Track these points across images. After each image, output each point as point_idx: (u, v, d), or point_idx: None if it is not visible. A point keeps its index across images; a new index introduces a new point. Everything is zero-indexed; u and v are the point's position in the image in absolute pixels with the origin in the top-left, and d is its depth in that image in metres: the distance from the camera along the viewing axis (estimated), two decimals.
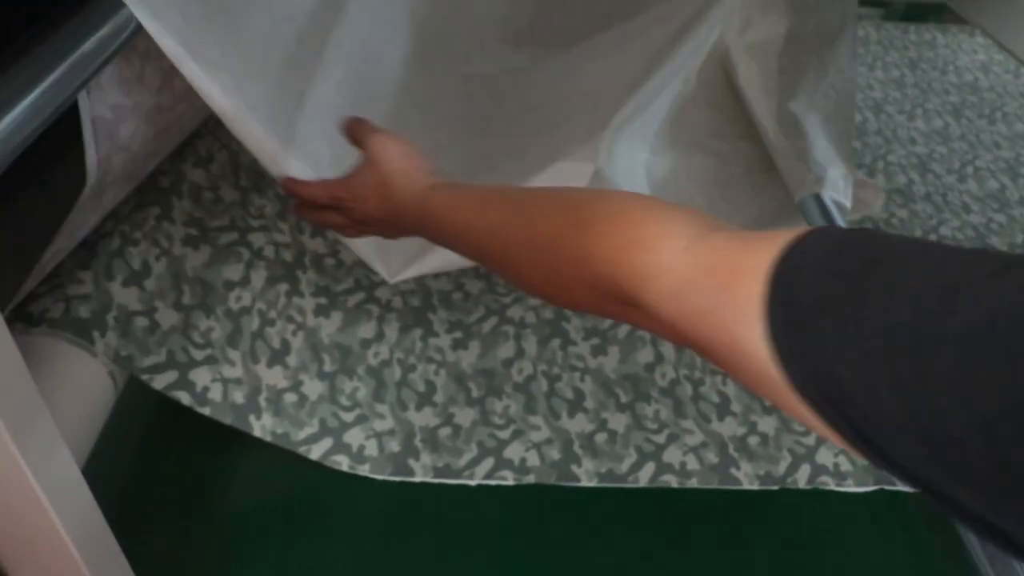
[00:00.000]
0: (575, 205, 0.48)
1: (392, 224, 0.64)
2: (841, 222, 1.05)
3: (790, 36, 1.30)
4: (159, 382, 0.76)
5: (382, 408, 0.88)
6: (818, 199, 1.10)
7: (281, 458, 0.82)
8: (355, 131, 0.68)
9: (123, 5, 0.60)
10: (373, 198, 0.63)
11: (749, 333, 0.34)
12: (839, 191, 1.11)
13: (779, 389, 0.33)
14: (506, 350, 0.97)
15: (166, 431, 0.87)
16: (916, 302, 0.28)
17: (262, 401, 0.82)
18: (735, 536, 0.84)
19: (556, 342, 0.98)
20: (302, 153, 0.75)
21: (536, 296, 0.53)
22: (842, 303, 0.31)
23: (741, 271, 0.35)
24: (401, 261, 0.90)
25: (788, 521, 0.85)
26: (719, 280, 0.37)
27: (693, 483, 0.86)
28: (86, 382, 0.70)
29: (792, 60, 1.27)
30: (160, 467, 0.85)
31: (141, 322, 0.76)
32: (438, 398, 0.90)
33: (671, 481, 0.86)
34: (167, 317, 0.78)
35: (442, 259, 0.90)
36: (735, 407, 0.94)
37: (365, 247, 0.88)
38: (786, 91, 1.23)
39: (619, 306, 0.44)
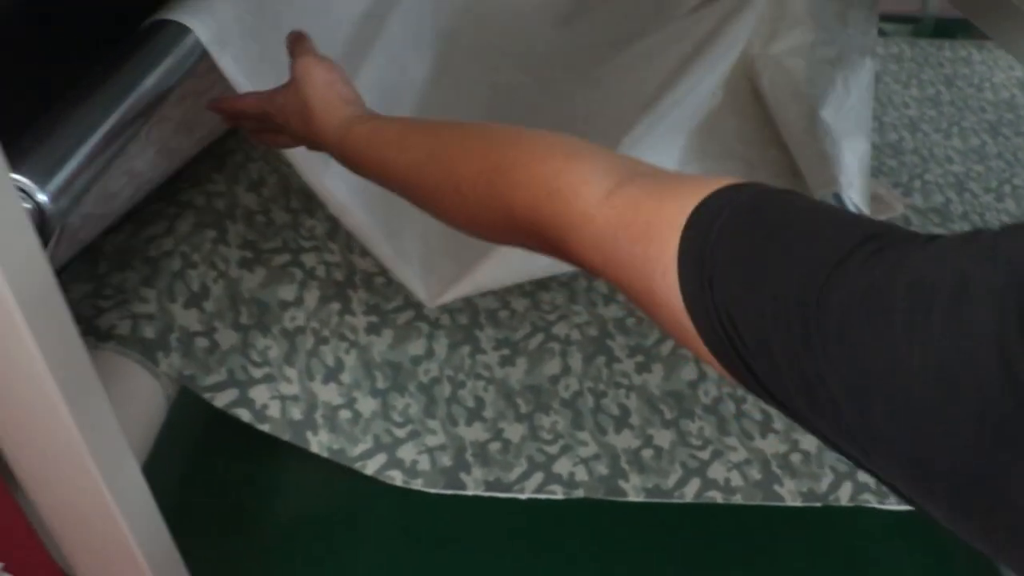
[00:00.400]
0: (496, 148, 0.48)
1: (316, 147, 0.62)
2: None
3: (815, 49, 1.32)
4: (220, 400, 0.78)
5: (433, 424, 0.89)
6: (837, 198, 1.11)
7: (322, 469, 0.83)
8: (292, 47, 0.65)
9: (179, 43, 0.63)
10: (294, 119, 0.61)
11: (662, 284, 0.36)
12: (856, 191, 1.13)
13: (690, 336, 0.35)
14: (552, 367, 0.98)
15: (211, 441, 0.90)
16: (808, 274, 0.31)
17: (319, 418, 0.83)
18: (763, 553, 0.84)
19: (601, 359, 0.99)
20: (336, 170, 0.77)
21: (462, 232, 0.52)
22: (747, 264, 0.33)
23: (655, 225, 0.37)
24: (441, 286, 0.93)
25: (816, 538, 0.86)
26: (634, 233, 0.38)
27: (737, 499, 0.87)
28: (144, 394, 0.72)
29: (820, 73, 1.29)
30: (205, 477, 0.87)
31: (202, 342, 0.78)
32: (487, 414, 0.92)
33: (716, 497, 0.87)
34: (226, 337, 0.80)
35: (478, 282, 0.93)
36: (777, 425, 0.94)
37: (406, 271, 0.90)
38: (817, 99, 1.25)
39: (545, 247, 0.45)
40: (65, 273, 0.75)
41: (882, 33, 1.81)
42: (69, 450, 0.47)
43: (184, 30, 0.64)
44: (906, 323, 0.27)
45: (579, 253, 0.42)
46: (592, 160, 0.43)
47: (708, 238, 0.34)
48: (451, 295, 0.93)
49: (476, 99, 1.16)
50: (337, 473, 0.84)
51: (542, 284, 1.07)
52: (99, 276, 0.76)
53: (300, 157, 0.75)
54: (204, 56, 0.65)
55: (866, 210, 1.13)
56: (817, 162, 1.17)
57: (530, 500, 0.85)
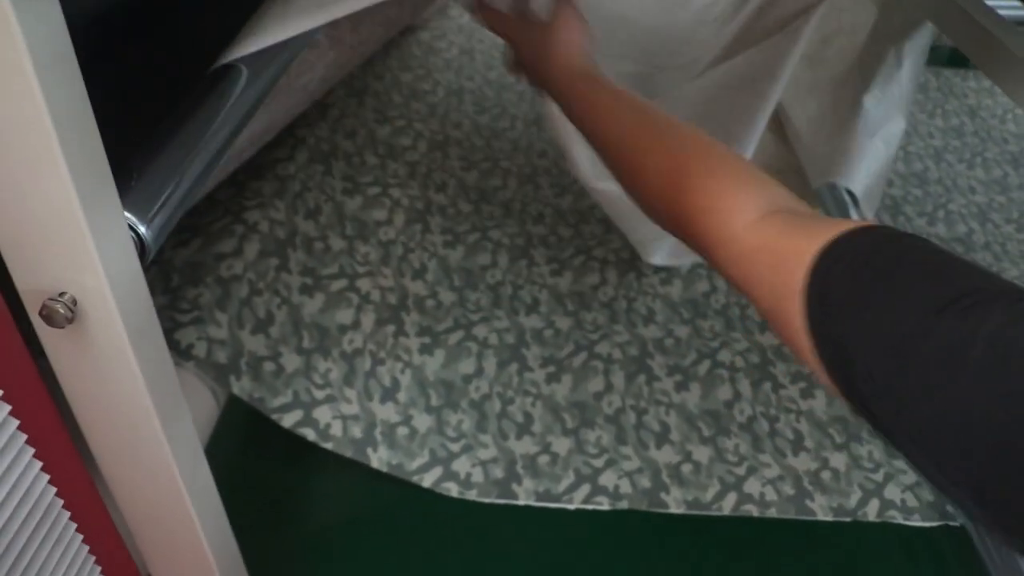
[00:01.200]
0: (681, 152, 0.55)
1: (538, 81, 0.73)
2: (854, 214, 1.11)
3: (876, 26, 1.33)
4: (287, 420, 0.83)
5: (485, 438, 0.93)
6: (832, 188, 1.14)
7: (356, 475, 0.88)
8: None
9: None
10: (532, 51, 0.72)
11: (789, 306, 0.42)
12: (855, 185, 1.16)
13: (805, 351, 0.41)
14: (596, 384, 1.02)
15: (252, 447, 0.93)
16: (918, 312, 0.36)
17: (378, 435, 0.88)
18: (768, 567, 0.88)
19: (642, 378, 1.03)
20: None
21: (639, 204, 0.60)
22: (865, 299, 0.38)
23: (790, 256, 0.43)
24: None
25: (822, 553, 0.89)
26: (771, 260, 0.44)
27: (772, 513, 0.90)
28: (201, 403, 0.77)
29: (872, 53, 1.30)
30: (245, 481, 0.90)
31: (269, 366, 0.83)
32: (536, 428, 0.96)
33: (752, 510, 0.91)
34: (291, 361, 0.86)
35: None
36: (808, 443, 0.98)
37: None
38: (863, 82, 1.28)
39: (695, 248, 0.52)
40: None
41: None
42: (157, 458, 0.52)
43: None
44: (981, 372, 0.32)
45: (722, 266, 0.49)
46: (748, 187, 0.50)
47: (830, 275, 0.40)
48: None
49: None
50: (369, 479, 0.88)
51: (584, 304, 1.12)
52: (173, 289, 0.81)
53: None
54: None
55: (865, 203, 1.16)
56: (823, 148, 1.20)
57: (577, 509, 0.90)
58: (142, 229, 0.52)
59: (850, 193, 1.17)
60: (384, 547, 0.85)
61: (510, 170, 1.31)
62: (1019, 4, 1.10)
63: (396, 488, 0.88)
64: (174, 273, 0.82)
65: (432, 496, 0.88)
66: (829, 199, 1.18)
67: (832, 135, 1.25)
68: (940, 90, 1.80)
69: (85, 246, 0.42)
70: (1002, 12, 1.25)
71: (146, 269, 0.50)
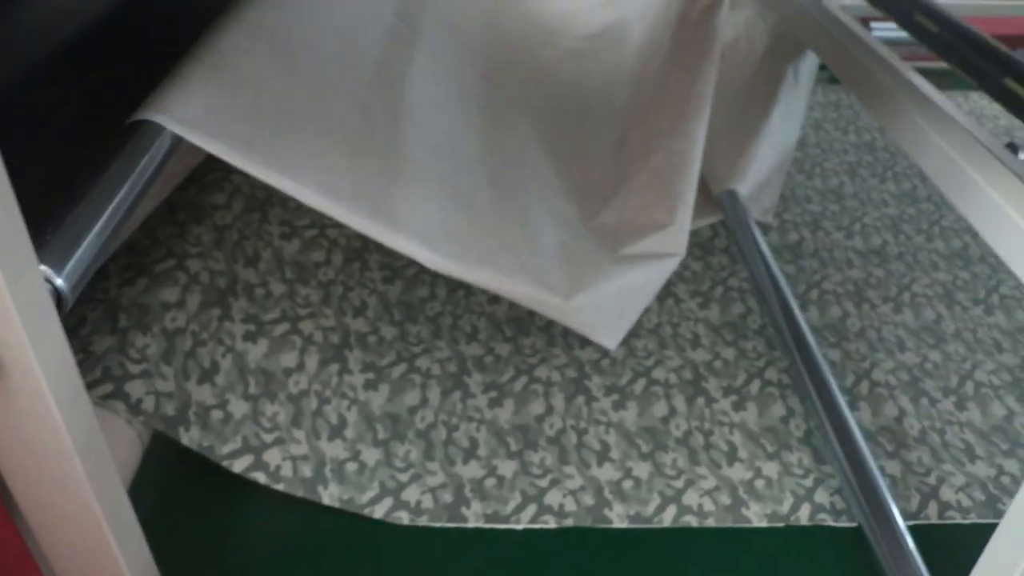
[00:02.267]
0: None
1: None
2: (752, 222, 1.18)
3: (770, 48, 1.43)
4: (237, 466, 0.86)
5: (433, 466, 0.97)
6: (732, 195, 1.21)
7: (288, 506, 0.91)
8: None
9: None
10: None
11: None
12: (754, 192, 1.23)
13: None
14: (537, 407, 1.06)
15: (184, 482, 0.96)
16: None
17: (328, 472, 0.92)
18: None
19: (581, 399, 1.08)
20: (406, 223, 0.86)
21: None
22: None
23: None
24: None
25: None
26: None
27: (710, 523, 0.95)
28: (124, 441, 0.79)
29: (771, 71, 1.40)
30: (175, 516, 0.93)
31: (217, 415, 0.86)
32: (481, 452, 1.00)
33: (691, 521, 0.95)
34: (238, 407, 0.89)
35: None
36: (742, 454, 1.03)
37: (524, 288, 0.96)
38: (767, 97, 1.37)
39: None
40: (88, 324, 0.84)
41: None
42: (79, 500, 0.56)
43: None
44: None
45: None
46: None
47: None
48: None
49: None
50: (301, 510, 0.91)
51: (522, 330, 1.16)
52: (121, 330, 0.84)
53: (368, 227, 0.84)
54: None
55: (761, 212, 1.23)
56: (728, 152, 1.27)
57: (524, 529, 0.94)
58: (59, 281, 0.55)
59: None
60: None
61: None
62: (895, 26, 1.18)
63: (334, 518, 0.91)
64: (121, 312, 0.85)
65: (369, 522, 0.91)
66: (728, 204, 1.25)
67: (731, 145, 1.31)
68: (852, 107, 1.89)
69: (1, 299, 0.45)
70: (878, 32, 1.33)
71: (65, 317, 0.53)
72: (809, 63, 1.45)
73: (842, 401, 1.02)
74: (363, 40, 1.07)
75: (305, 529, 0.92)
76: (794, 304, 1.17)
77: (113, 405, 0.79)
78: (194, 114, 0.75)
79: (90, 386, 0.79)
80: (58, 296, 0.56)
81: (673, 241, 1.05)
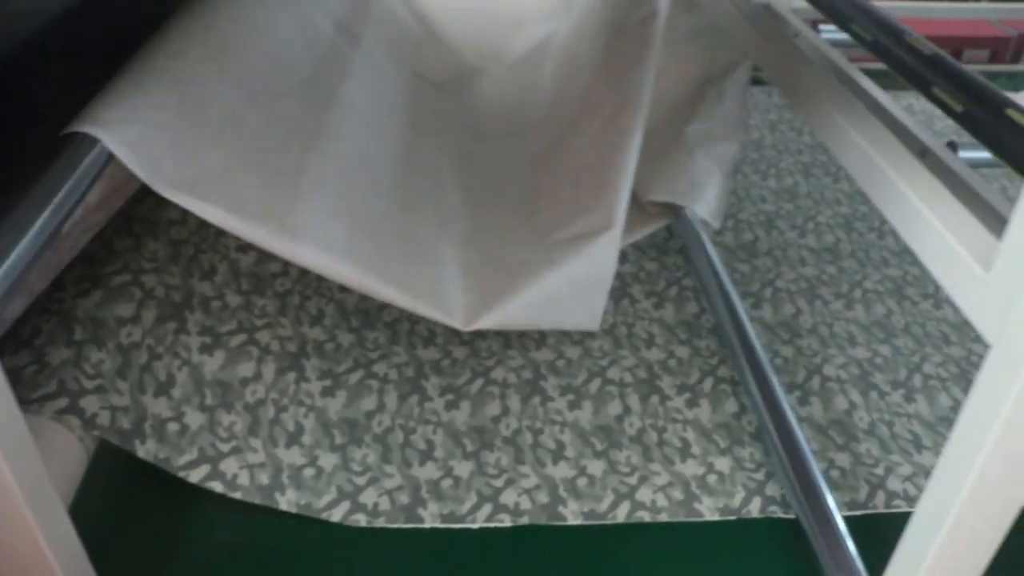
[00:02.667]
0: None
1: None
2: (707, 241, 1.21)
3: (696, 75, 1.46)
4: (194, 476, 0.88)
5: (390, 468, 0.99)
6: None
7: (243, 513, 0.92)
8: None
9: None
10: None
11: None
12: (709, 209, 1.25)
13: None
14: (493, 408, 1.09)
15: (133, 491, 0.96)
16: None
17: (285, 479, 0.93)
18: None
19: (536, 399, 1.11)
20: (312, 238, 0.88)
21: None
22: None
23: None
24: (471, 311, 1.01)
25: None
26: None
27: (663, 517, 0.98)
28: (66, 449, 0.81)
29: (693, 94, 1.43)
30: (123, 524, 0.93)
31: (173, 427, 0.88)
32: (438, 454, 1.02)
33: (644, 516, 0.98)
34: (194, 419, 0.90)
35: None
36: (695, 450, 1.06)
37: (422, 305, 0.98)
38: (686, 118, 1.39)
39: None
40: (43, 335, 0.85)
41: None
42: (8, 506, 0.57)
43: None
44: None
45: None
46: None
47: None
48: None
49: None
50: (255, 517, 0.92)
51: (478, 333, 1.18)
52: (77, 343, 0.86)
53: (268, 240, 0.86)
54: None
55: (717, 224, 1.26)
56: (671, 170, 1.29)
57: (480, 528, 0.96)
58: None
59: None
60: None
61: None
62: (836, 28, 1.20)
63: (289, 525, 0.93)
64: (76, 325, 0.87)
65: (319, 529, 0.93)
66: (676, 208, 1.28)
67: (653, 158, 1.34)
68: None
69: None
70: (827, 35, 1.36)
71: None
72: (738, 78, 1.49)
73: (782, 396, 1.05)
74: (298, 53, 1.09)
75: (259, 536, 0.93)
76: (738, 303, 1.19)
77: (68, 420, 0.80)
78: (119, 128, 0.76)
79: (45, 399, 0.80)
80: None
81: (602, 219, 1.06)
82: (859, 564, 0.85)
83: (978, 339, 1.28)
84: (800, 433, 1.00)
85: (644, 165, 1.28)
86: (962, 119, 1.00)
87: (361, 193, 1.02)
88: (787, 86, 0.84)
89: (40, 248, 0.66)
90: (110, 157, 0.75)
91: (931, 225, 0.59)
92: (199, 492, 0.90)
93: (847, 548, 0.86)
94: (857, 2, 1.26)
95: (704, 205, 1.25)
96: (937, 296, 1.36)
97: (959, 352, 1.25)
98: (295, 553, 0.92)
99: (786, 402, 1.04)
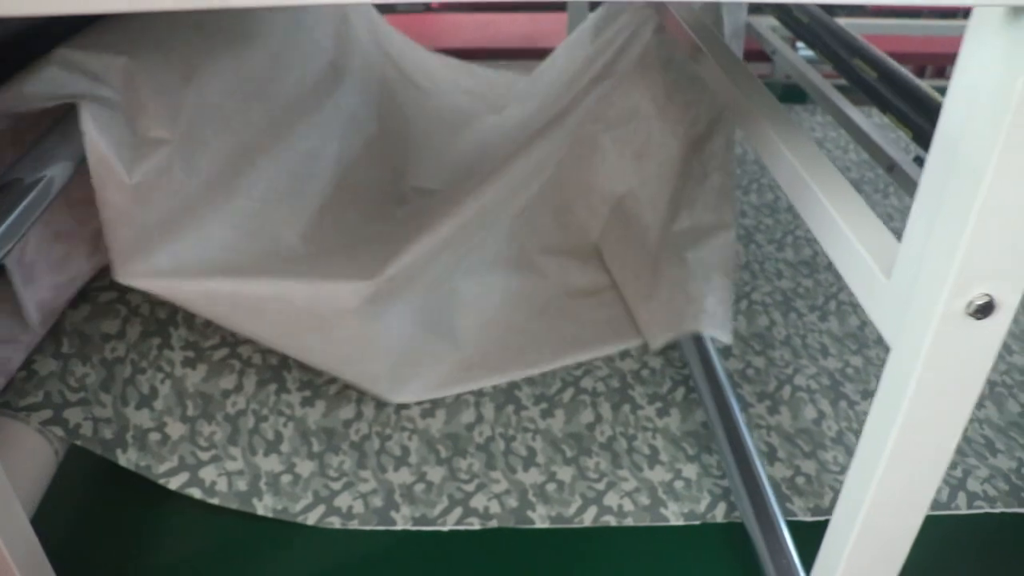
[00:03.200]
0: None
1: None
2: (717, 359, 1.17)
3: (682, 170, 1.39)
4: (174, 483, 0.93)
5: (365, 474, 1.03)
6: (699, 340, 1.20)
7: (212, 515, 0.96)
8: None
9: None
10: None
11: None
12: (716, 323, 1.20)
13: None
14: (468, 416, 1.13)
15: (104, 493, 1.00)
16: None
17: (262, 485, 0.98)
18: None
19: (510, 408, 1.15)
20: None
21: None
22: None
23: None
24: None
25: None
26: None
27: (629, 522, 1.01)
28: (34, 452, 0.85)
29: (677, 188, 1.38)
30: (94, 525, 0.97)
31: (154, 436, 0.93)
32: (412, 460, 1.06)
33: (610, 521, 1.01)
34: (175, 429, 0.95)
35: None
36: (663, 457, 1.09)
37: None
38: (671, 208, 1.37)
39: None
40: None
41: None
42: None
43: None
44: None
45: None
46: None
47: None
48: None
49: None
50: (229, 515, 0.96)
51: None
52: (63, 356, 0.91)
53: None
54: None
55: (728, 338, 1.21)
56: (672, 293, 1.27)
57: (450, 531, 1.00)
58: None
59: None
60: None
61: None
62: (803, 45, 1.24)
63: (260, 526, 0.97)
64: (64, 337, 0.92)
65: (287, 531, 0.97)
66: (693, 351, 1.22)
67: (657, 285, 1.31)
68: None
69: None
70: (803, 52, 1.39)
71: None
72: (721, 140, 1.39)
73: (736, 407, 1.09)
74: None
75: (230, 535, 0.97)
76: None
77: (53, 430, 0.85)
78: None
79: (31, 408, 0.85)
80: None
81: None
82: (799, 569, 0.88)
83: None
84: (750, 440, 1.03)
85: (641, 299, 1.30)
86: (916, 135, 1.04)
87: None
88: (728, 99, 0.88)
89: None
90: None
91: (845, 235, 0.63)
92: (167, 495, 0.95)
93: (790, 552, 0.90)
94: (824, 23, 1.30)
95: (709, 321, 1.21)
96: None
97: None
98: (264, 553, 0.96)
99: (738, 410, 1.08)
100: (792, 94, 2.15)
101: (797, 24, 1.39)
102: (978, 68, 0.47)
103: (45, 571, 0.71)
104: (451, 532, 1.00)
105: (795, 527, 0.97)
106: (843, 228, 0.63)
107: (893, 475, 0.60)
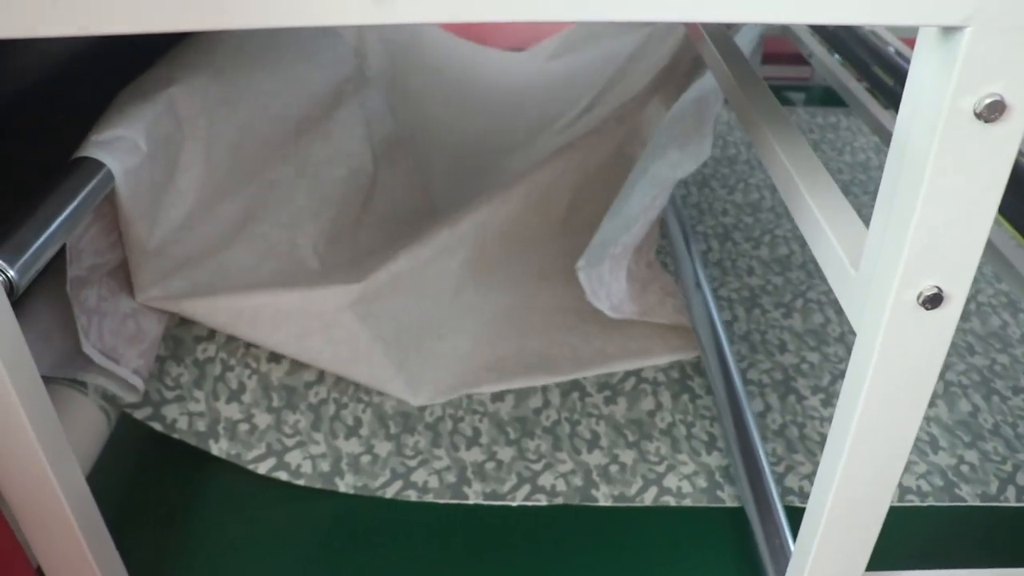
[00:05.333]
0: None
1: None
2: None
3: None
4: (262, 468, 1.04)
5: (439, 452, 1.12)
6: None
7: (246, 483, 1.05)
8: None
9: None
10: None
11: None
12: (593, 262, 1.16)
13: None
14: (535, 401, 1.20)
15: (149, 458, 1.09)
16: None
17: (343, 466, 1.08)
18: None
19: (575, 394, 1.21)
20: None
21: None
22: None
23: None
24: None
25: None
26: None
27: (687, 503, 1.06)
28: (88, 419, 0.94)
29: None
30: (144, 488, 1.06)
31: (243, 427, 1.04)
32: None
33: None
34: (263, 419, 1.06)
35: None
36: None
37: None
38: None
39: None
40: None
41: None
42: (34, 466, 0.68)
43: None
44: None
45: None
46: None
47: None
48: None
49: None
50: (265, 485, 1.05)
51: None
52: (160, 359, 1.03)
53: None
54: None
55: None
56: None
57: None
58: (11, 273, 0.70)
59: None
60: (276, 542, 1.01)
61: None
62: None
63: (283, 488, 1.05)
64: (160, 342, 1.03)
65: (322, 498, 1.05)
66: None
67: None
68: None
69: None
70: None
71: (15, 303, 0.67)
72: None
73: (743, 395, 1.14)
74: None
75: (276, 509, 1.04)
76: (713, 306, 1.30)
77: (152, 424, 0.97)
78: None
79: (133, 407, 0.97)
80: (10, 285, 0.70)
81: None
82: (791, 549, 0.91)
83: None
84: (754, 427, 1.09)
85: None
86: None
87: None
88: (734, 101, 0.91)
89: (54, 239, 0.77)
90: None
91: (823, 231, 0.66)
92: (207, 460, 1.04)
93: (785, 535, 0.94)
94: (850, 29, 1.30)
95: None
96: None
97: None
98: (311, 526, 1.03)
99: (748, 406, 1.13)
100: (833, 97, 2.15)
101: (822, 28, 1.40)
102: (920, 80, 0.51)
103: (98, 526, 0.80)
104: (520, 507, 1.07)
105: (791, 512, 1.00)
106: (821, 223, 0.66)
107: (858, 458, 0.64)
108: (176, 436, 0.99)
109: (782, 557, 0.90)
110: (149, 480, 1.07)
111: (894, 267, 0.55)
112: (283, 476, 1.04)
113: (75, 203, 0.80)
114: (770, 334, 1.35)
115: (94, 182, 0.83)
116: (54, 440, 0.70)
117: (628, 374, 1.25)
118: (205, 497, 1.06)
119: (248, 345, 1.11)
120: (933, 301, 0.56)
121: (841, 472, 0.65)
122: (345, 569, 0.98)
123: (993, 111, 0.48)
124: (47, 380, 0.90)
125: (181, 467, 1.08)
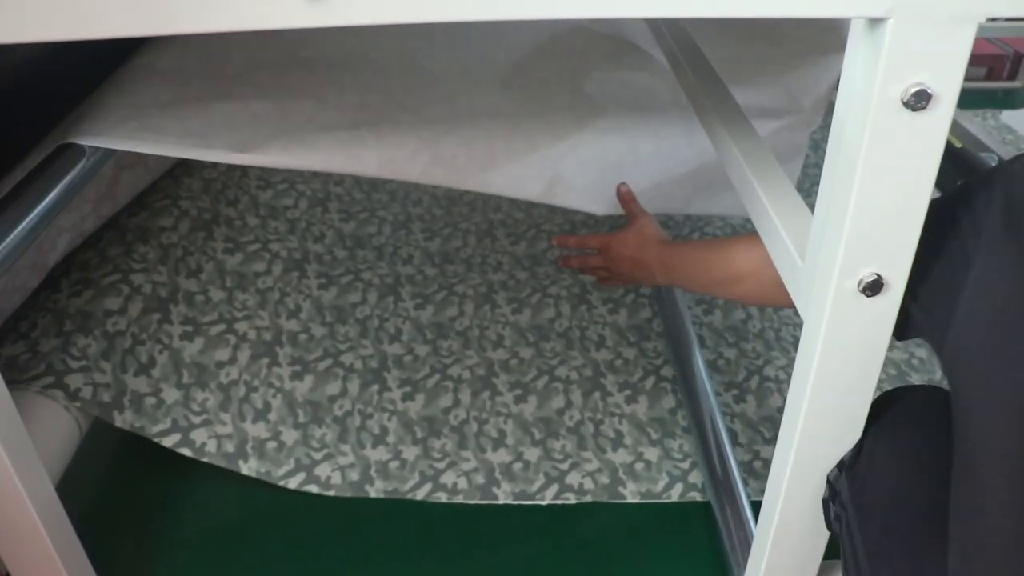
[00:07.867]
0: (747, 259, 0.83)
1: (639, 269, 1.01)
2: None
3: None
4: (167, 442, 1.01)
5: (345, 448, 1.11)
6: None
7: (225, 483, 1.05)
8: (626, 205, 1.08)
9: None
10: (630, 250, 1.01)
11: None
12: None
13: None
14: (445, 400, 1.21)
15: (124, 464, 1.10)
16: None
17: (248, 449, 1.05)
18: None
19: (486, 393, 1.23)
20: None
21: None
22: None
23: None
24: None
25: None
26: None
27: (588, 499, 1.09)
28: (60, 426, 0.92)
29: None
30: (116, 492, 1.07)
31: (150, 401, 1.01)
32: (390, 439, 1.14)
33: (571, 498, 1.09)
34: (170, 395, 1.03)
35: None
36: (627, 440, 1.17)
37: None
38: None
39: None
40: (37, 329, 0.99)
41: None
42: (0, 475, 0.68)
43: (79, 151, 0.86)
44: None
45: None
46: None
47: None
48: None
49: None
50: (238, 485, 1.05)
51: (442, 334, 1.31)
52: (65, 333, 0.99)
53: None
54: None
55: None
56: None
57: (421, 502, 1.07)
58: None
59: None
60: (252, 549, 1.02)
61: (385, 218, 1.52)
62: None
63: (257, 492, 1.06)
64: (67, 319, 1.01)
65: (300, 502, 1.06)
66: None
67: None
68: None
69: None
70: None
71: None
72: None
73: (712, 397, 1.16)
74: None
75: (242, 506, 1.06)
76: (685, 312, 1.30)
77: (53, 393, 0.93)
78: (106, 127, 0.88)
79: (34, 379, 0.93)
80: None
81: None
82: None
83: None
84: (722, 428, 1.11)
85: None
86: None
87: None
88: (691, 95, 0.94)
89: (26, 235, 0.78)
90: (90, 166, 0.87)
91: (773, 222, 0.68)
92: (185, 470, 1.04)
93: (750, 527, 0.97)
94: None
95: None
96: None
97: (900, 356, 1.32)
98: (270, 523, 1.04)
99: (714, 401, 1.15)
100: None
101: None
102: (852, 70, 0.53)
103: (67, 531, 0.79)
104: (549, 506, 1.09)
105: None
106: (771, 215, 0.68)
107: (809, 442, 0.66)
108: (77, 406, 0.94)
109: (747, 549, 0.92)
110: (120, 484, 1.08)
111: (834, 256, 0.57)
112: (187, 452, 1.01)
113: (55, 194, 0.81)
114: (784, 331, 1.40)
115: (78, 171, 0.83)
116: (20, 449, 0.69)
117: (541, 373, 1.28)
118: (176, 501, 1.08)
119: (161, 321, 1.08)
120: (873, 288, 0.58)
121: (794, 457, 0.67)
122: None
123: (920, 100, 0.49)
124: (15, 388, 0.92)
125: (153, 471, 1.09)
